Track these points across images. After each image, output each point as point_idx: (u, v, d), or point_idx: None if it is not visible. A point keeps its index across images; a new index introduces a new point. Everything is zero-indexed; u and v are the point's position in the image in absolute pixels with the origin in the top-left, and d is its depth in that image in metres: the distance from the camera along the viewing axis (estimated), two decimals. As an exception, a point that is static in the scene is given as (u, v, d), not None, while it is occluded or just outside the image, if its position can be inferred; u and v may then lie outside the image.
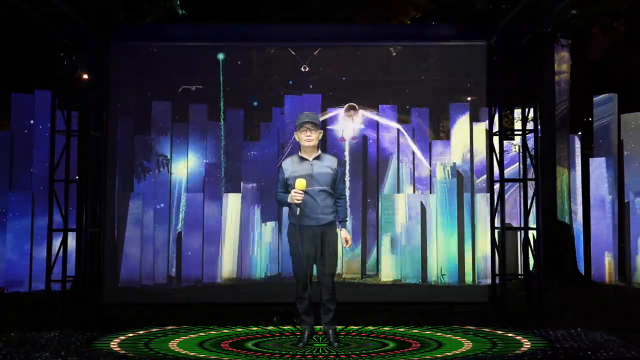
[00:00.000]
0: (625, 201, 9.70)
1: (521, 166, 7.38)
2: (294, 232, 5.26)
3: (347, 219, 5.49)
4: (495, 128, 7.21)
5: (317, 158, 5.34)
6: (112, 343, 5.41)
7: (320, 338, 5.47)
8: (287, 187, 5.28)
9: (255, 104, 9.84)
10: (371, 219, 9.56)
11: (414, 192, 9.41)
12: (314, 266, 5.33)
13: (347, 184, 9.24)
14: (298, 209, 5.13)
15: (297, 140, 5.40)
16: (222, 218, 9.21)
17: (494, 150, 7.09)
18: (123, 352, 5.09)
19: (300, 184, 5.11)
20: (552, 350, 5.05)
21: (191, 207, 9.20)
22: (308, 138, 5.29)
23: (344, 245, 5.38)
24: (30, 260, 8.76)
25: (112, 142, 7.92)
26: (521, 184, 8.03)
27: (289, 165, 5.35)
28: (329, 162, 5.36)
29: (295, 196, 5.11)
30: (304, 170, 5.26)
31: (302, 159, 5.33)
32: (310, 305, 5.35)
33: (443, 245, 9.12)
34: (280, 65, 10.03)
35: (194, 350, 5.22)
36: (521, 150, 7.57)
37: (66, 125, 6.75)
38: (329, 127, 9.41)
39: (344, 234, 5.38)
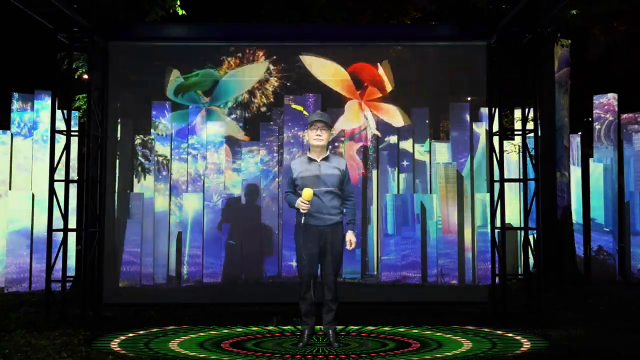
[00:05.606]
0: (625, 201, 9.70)
1: (521, 166, 7.37)
2: (300, 232, 5.29)
3: (354, 220, 5.50)
4: (495, 128, 7.20)
5: (325, 159, 5.36)
6: (112, 343, 5.42)
7: (321, 338, 5.47)
8: (295, 187, 5.32)
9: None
10: (372, 218, 9.55)
11: (414, 191, 9.40)
12: (319, 266, 5.34)
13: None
14: (303, 217, 5.21)
15: (307, 138, 5.43)
16: (221, 218, 9.19)
17: (494, 150, 7.09)
18: (123, 352, 5.10)
19: (307, 194, 5.14)
20: (552, 351, 5.04)
21: (191, 207, 9.19)
22: (318, 137, 5.31)
23: (347, 247, 5.39)
24: (30, 260, 8.75)
25: (112, 142, 7.91)
26: (521, 183, 8.03)
27: (298, 166, 5.38)
28: (337, 164, 5.38)
29: (301, 206, 5.18)
30: (312, 171, 5.29)
31: (311, 159, 5.36)
32: (312, 305, 5.35)
33: (443, 245, 9.11)
34: (280, 65, 10.01)
35: (194, 350, 5.22)
36: (521, 150, 7.56)
37: (66, 125, 6.75)
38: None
39: (349, 236, 5.39)
